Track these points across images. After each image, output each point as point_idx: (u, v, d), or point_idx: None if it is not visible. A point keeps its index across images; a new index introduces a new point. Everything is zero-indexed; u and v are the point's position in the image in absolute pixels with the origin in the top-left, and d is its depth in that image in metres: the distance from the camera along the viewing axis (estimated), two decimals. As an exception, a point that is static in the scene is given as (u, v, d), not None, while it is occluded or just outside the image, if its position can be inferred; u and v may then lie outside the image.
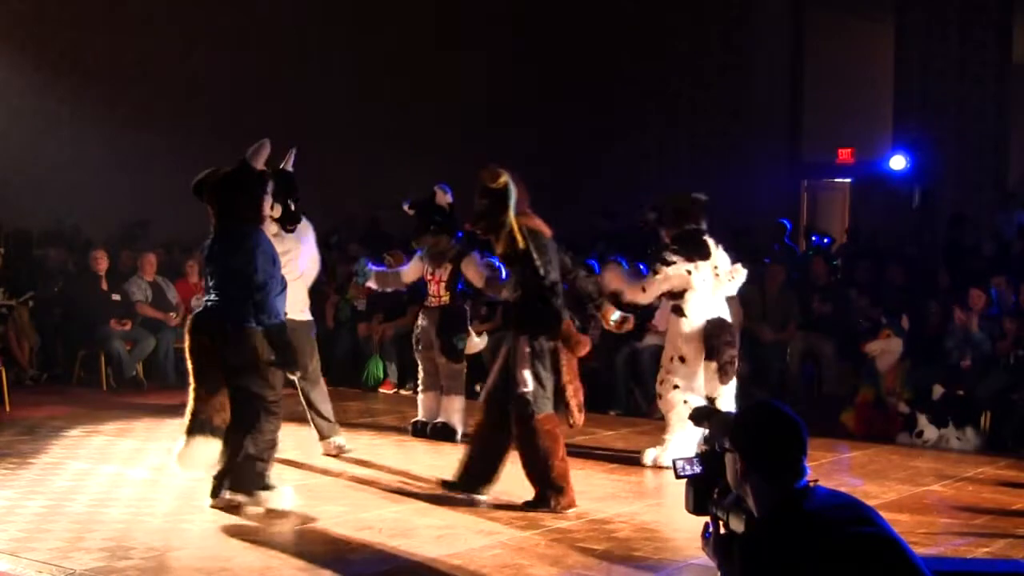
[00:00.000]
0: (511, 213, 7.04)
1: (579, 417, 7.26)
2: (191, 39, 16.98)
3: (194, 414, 6.78)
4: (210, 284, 6.89)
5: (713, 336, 8.37)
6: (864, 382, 10.19)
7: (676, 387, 8.47)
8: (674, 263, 8.42)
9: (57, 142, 15.73)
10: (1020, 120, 19.14)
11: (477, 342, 9.47)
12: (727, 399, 8.39)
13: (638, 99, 20.95)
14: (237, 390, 6.73)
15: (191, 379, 6.84)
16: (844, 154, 20.67)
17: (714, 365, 8.36)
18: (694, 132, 20.59)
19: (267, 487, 6.80)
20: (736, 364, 8.44)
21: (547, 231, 7.22)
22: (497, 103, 19.53)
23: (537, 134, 19.76)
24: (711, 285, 8.47)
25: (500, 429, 7.13)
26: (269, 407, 6.76)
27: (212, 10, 17.09)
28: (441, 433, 9.22)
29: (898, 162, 18.30)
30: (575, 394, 7.23)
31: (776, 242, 15.78)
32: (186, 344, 6.87)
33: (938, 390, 9.64)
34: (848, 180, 21.62)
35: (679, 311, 8.48)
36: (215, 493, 6.82)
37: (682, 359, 8.46)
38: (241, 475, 6.74)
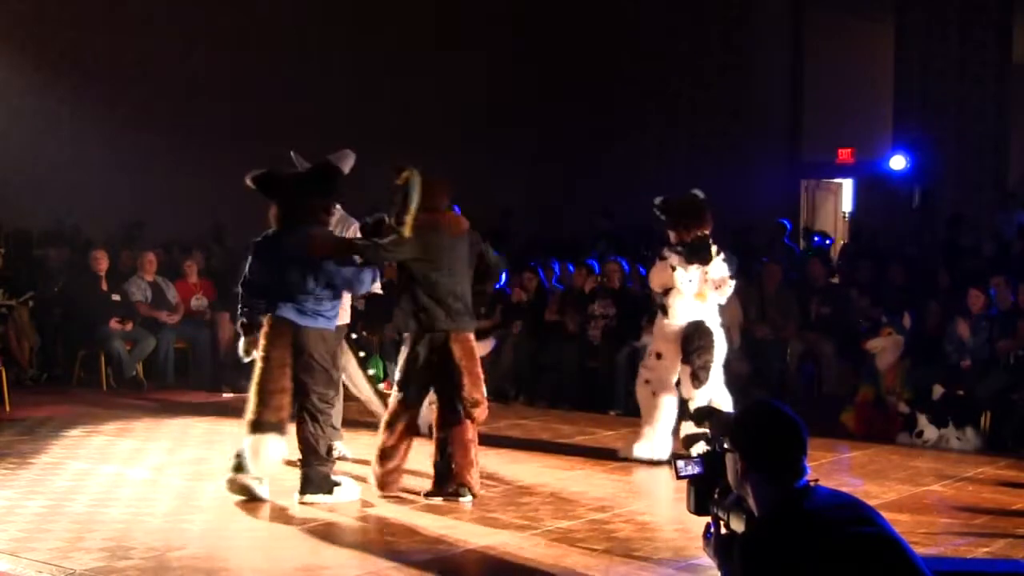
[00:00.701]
0: (412, 208, 7.06)
1: (475, 413, 7.17)
2: (191, 39, 16.98)
3: (258, 414, 6.83)
4: (265, 282, 6.94)
5: (689, 339, 8.39)
6: (864, 382, 10.18)
7: (647, 382, 8.56)
8: (667, 258, 8.49)
9: (57, 142, 15.73)
10: (1020, 120, 19.15)
11: (481, 343, 9.50)
12: (700, 403, 8.35)
13: (638, 99, 20.96)
14: (311, 392, 6.89)
15: (259, 377, 6.87)
16: (844, 154, 20.68)
17: (688, 369, 8.37)
18: (694, 132, 20.60)
19: (337, 483, 7.03)
20: (709, 370, 8.41)
21: (453, 230, 7.26)
22: (497, 103, 19.53)
23: (537, 134, 19.76)
24: (695, 288, 8.47)
25: (441, 427, 7.23)
26: (329, 409, 7.00)
27: (212, 10, 17.09)
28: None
29: (898, 162, 18.30)
30: (471, 391, 7.13)
31: (776, 242, 15.77)
32: (263, 341, 6.90)
33: (938, 390, 9.63)
34: (840, 180, 21.68)
35: (664, 309, 8.51)
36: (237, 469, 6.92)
37: (659, 356, 8.54)
38: (312, 479, 6.95)
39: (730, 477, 3.40)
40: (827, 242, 17.00)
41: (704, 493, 3.57)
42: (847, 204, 21.62)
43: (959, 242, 14.81)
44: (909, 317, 10.15)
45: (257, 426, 6.82)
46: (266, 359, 6.88)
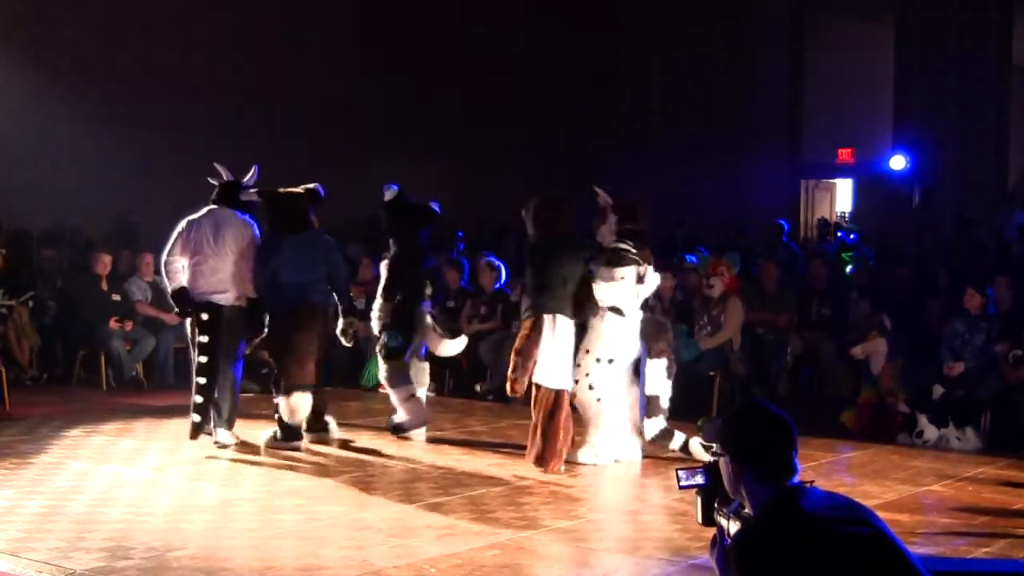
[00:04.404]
0: None
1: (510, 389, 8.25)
2: (191, 39, 16.99)
3: (296, 377, 8.56)
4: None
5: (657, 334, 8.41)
6: (865, 384, 10.16)
7: (591, 387, 8.34)
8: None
9: (57, 142, 15.73)
10: (1020, 120, 19.16)
11: (450, 343, 9.53)
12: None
13: (638, 99, 20.96)
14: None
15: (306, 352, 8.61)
16: (844, 154, 20.71)
17: (665, 362, 8.33)
18: (694, 132, 20.61)
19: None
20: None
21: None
22: (497, 103, 19.54)
23: (537, 134, 19.78)
24: None
25: None
26: None
27: (212, 10, 17.10)
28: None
29: (898, 162, 18.31)
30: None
31: (775, 242, 15.77)
32: (311, 326, 8.67)
33: (938, 390, 9.62)
34: (837, 180, 21.70)
35: (618, 311, 8.34)
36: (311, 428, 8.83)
37: (611, 360, 8.35)
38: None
39: (725, 481, 3.39)
40: (852, 237, 16.83)
41: (710, 503, 3.54)
42: (842, 204, 21.65)
43: (969, 241, 14.77)
44: (888, 318, 10.11)
45: (293, 388, 8.54)
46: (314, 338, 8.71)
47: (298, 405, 8.57)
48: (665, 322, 8.52)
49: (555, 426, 8.02)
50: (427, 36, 19.08)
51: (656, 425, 8.29)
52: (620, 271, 8.25)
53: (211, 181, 8.90)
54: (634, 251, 8.33)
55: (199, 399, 8.61)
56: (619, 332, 8.26)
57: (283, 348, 8.67)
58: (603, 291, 8.23)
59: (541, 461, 8.03)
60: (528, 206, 8.41)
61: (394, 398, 9.31)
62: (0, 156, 14.80)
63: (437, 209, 9.39)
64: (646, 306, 8.56)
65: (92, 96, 15.90)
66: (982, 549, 6.30)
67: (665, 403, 8.37)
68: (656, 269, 11.32)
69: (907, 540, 3.28)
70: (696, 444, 8.19)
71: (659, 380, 8.33)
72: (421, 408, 9.29)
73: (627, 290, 8.28)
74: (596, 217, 8.65)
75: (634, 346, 8.32)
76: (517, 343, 8.19)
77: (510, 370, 8.14)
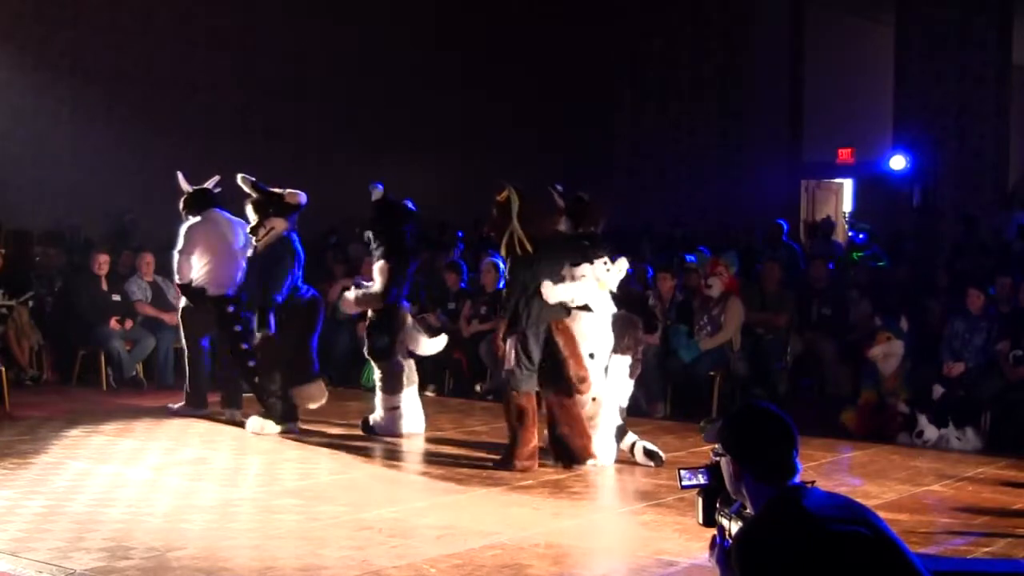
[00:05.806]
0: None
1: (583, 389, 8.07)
2: (191, 39, 16.99)
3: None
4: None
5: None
6: (866, 384, 10.15)
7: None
8: None
9: (57, 142, 15.73)
10: (1020, 120, 19.17)
11: (430, 341, 9.51)
12: None
13: (638, 99, 20.97)
14: None
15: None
16: (844, 154, 20.71)
17: (628, 359, 8.31)
18: (694, 132, 20.62)
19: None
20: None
21: None
22: (497, 103, 19.54)
23: (537, 135, 19.78)
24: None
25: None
26: None
27: (212, 10, 17.11)
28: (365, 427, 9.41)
29: (898, 162, 18.31)
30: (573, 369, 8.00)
31: (774, 241, 15.78)
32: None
33: (938, 390, 9.61)
34: (840, 180, 21.70)
35: (586, 308, 8.28)
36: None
37: (591, 356, 8.31)
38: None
39: (726, 482, 3.39)
40: (861, 236, 16.74)
41: (711, 504, 3.54)
42: (847, 204, 21.66)
43: (970, 243, 14.78)
44: (906, 320, 10.10)
45: (312, 377, 9.38)
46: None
47: (317, 392, 9.29)
48: (636, 319, 8.45)
49: (576, 418, 8.11)
50: (428, 37, 19.08)
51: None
52: (579, 270, 8.20)
53: (195, 187, 9.75)
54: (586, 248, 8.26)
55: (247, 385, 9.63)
56: (593, 328, 8.21)
57: (301, 343, 9.27)
58: (570, 291, 8.15)
59: (572, 457, 8.07)
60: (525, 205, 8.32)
61: (379, 401, 9.30)
62: (0, 156, 14.80)
63: (413, 207, 9.43)
64: (646, 305, 8.55)
65: (92, 96, 15.90)
66: (982, 549, 6.30)
67: (624, 401, 8.33)
68: (656, 269, 11.35)
69: (907, 540, 3.28)
70: (640, 449, 8.16)
71: (620, 377, 8.29)
72: (397, 422, 9.28)
73: (591, 285, 8.20)
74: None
75: (608, 341, 8.29)
76: (568, 345, 8.05)
77: (576, 372, 8.00)
